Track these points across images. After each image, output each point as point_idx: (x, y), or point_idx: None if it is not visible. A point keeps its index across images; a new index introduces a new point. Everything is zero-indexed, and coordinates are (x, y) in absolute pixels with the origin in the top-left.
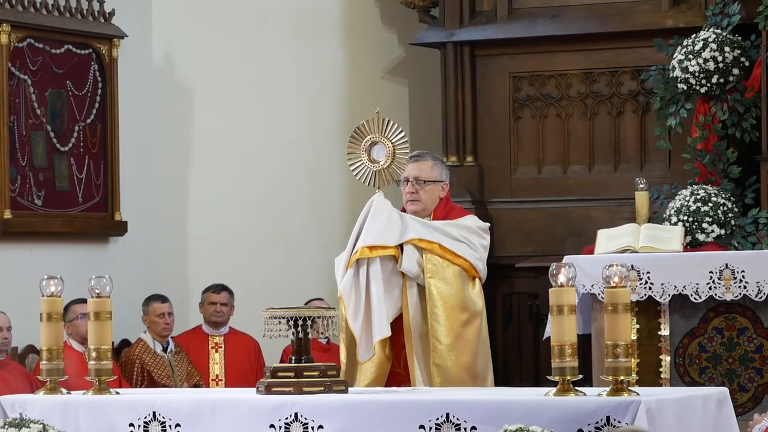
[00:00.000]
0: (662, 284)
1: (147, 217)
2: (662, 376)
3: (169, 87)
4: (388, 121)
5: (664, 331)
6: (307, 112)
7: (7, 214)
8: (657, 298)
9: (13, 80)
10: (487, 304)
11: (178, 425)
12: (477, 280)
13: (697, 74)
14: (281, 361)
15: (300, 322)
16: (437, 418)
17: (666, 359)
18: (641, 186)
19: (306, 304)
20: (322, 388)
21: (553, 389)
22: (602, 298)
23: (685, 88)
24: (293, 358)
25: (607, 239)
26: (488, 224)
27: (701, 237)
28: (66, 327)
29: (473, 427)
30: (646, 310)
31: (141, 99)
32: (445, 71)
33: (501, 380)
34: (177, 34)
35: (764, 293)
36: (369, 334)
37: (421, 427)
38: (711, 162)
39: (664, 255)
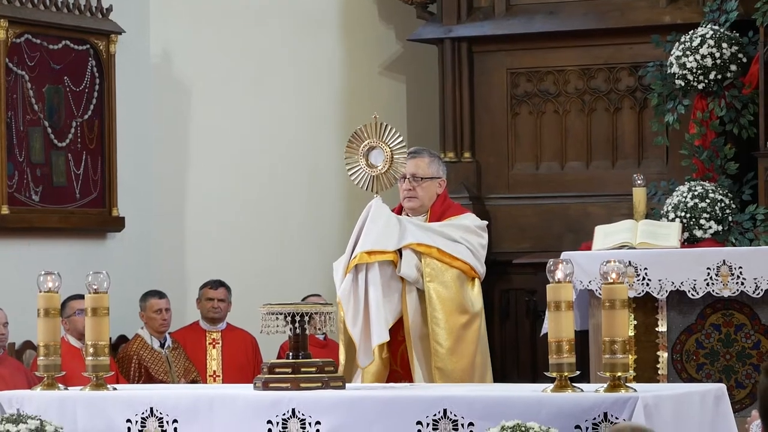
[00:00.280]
0: (660, 280)
1: (144, 213)
2: (659, 372)
3: (167, 83)
4: (386, 125)
5: (662, 328)
6: (305, 108)
7: (5, 210)
8: (654, 295)
9: (11, 76)
10: (485, 301)
11: (175, 421)
12: (476, 280)
13: (694, 70)
14: (278, 357)
15: (297, 318)
16: (434, 414)
17: (663, 355)
18: (639, 182)
19: (303, 300)
20: (319, 384)
21: (551, 385)
22: (600, 294)
23: (683, 84)
24: (290, 354)
25: (605, 235)
26: (486, 222)
27: (699, 233)
28: (63, 323)
29: (470, 423)
30: (644, 306)
31: (139, 95)
32: (442, 67)
33: (498, 376)
34: (175, 30)
35: (762, 289)
36: (368, 339)
37: (419, 423)
38: (708, 158)
39: (661, 251)
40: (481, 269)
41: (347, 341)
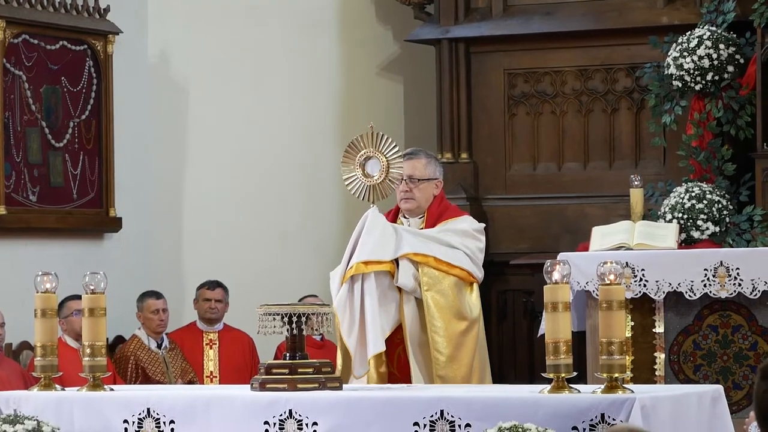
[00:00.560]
0: (657, 281)
1: (142, 214)
2: (657, 373)
3: (165, 83)
4: (382, 135)
5: (659, 329)
6: (303, 108)
7: (2, 210)
8: (652, 296)
9: (8, 76)
10: (482, 302)
11: (172, 422)
12: (474, 284)
13: (692, 71)
14: (275, 358)
15: (294, 319)
16: (432, 415)
17: (660, 356)
18: (636, 183)
19: (300, 300)
20: (316, 385)
21: (548, 386)
22: (597, 295)
23: (680, 85)
24: (287, 354)
25: (602, 236)
26: (483, 225)
27: (696, 234)
28: (61, 323)
29: (468, 424)
30: (641, 307)
31: (136, 95)
32: (440, 68)
33: (496, 377)
34: (172, 30)
35: (759, 291)
36: (364, 349)
37: (416, 424)
38: (706, 159)
39: (658, 252)
40: (479, 274)
41: (344, 351)
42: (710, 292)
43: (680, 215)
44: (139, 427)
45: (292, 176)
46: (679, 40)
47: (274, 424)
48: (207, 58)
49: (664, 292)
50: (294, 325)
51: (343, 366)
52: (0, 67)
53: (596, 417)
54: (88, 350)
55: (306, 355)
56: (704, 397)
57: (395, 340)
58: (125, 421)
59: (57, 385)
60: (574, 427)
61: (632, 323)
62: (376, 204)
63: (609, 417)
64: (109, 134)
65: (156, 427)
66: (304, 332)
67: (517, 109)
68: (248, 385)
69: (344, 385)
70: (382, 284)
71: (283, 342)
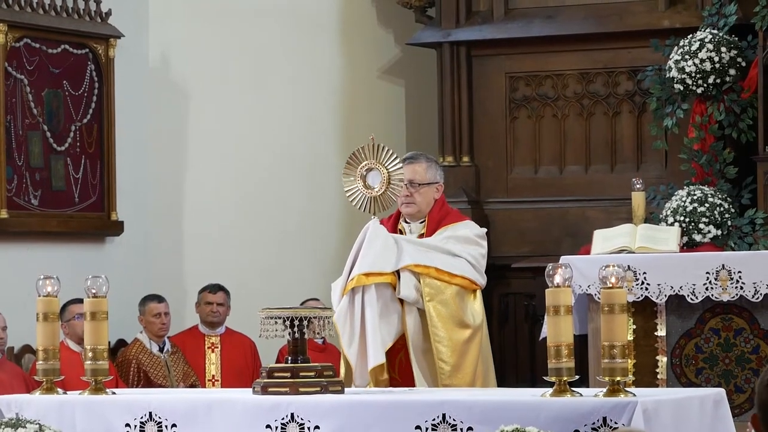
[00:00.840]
0: (659, 285)
1: (143, 217)
2: (659, 376)
3: (166, 87)
4: (383, 147)
5: (661, 332)
6: (304, 112)
7: (4, 214)
8: (653, 299)
9: (10, 80)
10: (484, 305)
11: (174, 425)
12: (477, 291)
13: (693, 74)
14: (277, 362)
15: (296, 323)
16: (433, 419)
17: (662, 360)
18: (638, 186)
19: (302, 304)
20: (318, 389)
21: (550, 390)
22: (599, 298)
23: (682, 88)
24: (289, 358)
25: (604, 239)
26: (485, 229)
27: (698, 237)
28: (63, 327)
29: (470, 428)
30: (643, 310)
31: (137, 99)
32: (441, 71)
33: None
34: (173, 34)
35: (761, 294)
36: (364, 362)
37: (417, 427)
38: (707, 162)
39: (660, 255)
40: (482, 280)
41: (345, 362)
42: (712, 295)
43: (682, 218)
44: (141, 430)
45: (293, 179)
46: (681, 43)
47: (276, 428)
48: (208, 62)
49: (666, 296)
50: (296, 329)
51: (345, 377)
52: (2, 70)
53: (598, 420)
54: (90, 354)
55: (308, 358)
56: (706, 401)
57: (396, 346)
58: (127, 425)
59: (59, 389)
60: (576, 431)
61: (634, 326)
62: (376, 215)
63: (611, 420)
64: (111, 138)
65: (158, 430)
66: (306, 336)
67: (518, 112)
68: (250, 389)
69: (346, 389)
70: (384, 296)
71: (284, 345)
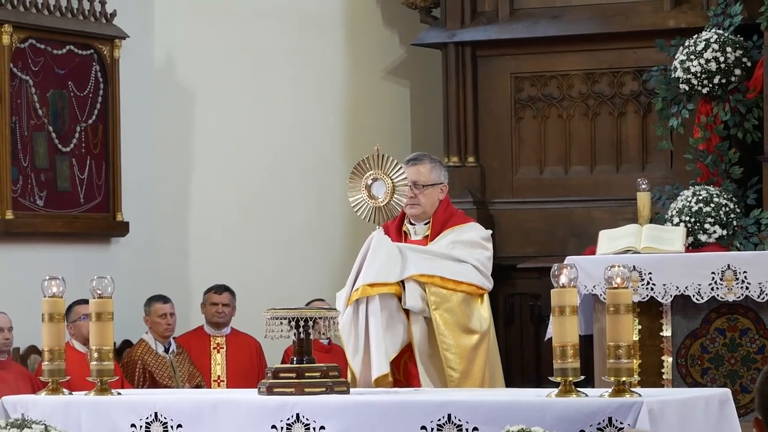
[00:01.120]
0: (664, 285)
1: (148, 218)
2: (664, 377)
3: (171, 88)
4: (388, 157)
5: (666, 332)
6: (309, 113)
7: (9, 215)
8: (659, 299)
9: (15, 81)
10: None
11: (179, 426)
12: (485, 295)
13: (699, 75)
14: (283, 362)
15: (301, 323)
16: (439, 419)
17: (668, 360)
18: (643, 186)
19: (307, 304)
20: (323, 389)
21: (555, 390)
22: (604, 298)
23: (687, 88)
24: (295, 358)
25: (609, 240)
26: (490, 231)
27: (703, 238)
28: (69, 328)
29: (475, 428)
30: (648, 311)
31: (142, 100)
32: (446, 72)
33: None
34: (178, 34)
35: (766, 294)
36: (369, 372)
37: (423, 428)
38: (713, 162)
39: (666, 256)
40: (489, 284)
41: (351, 372)
42: (717, 295)
43: (687, 219)
44: (146, 431)
45: (298, 180)
46: (686, 44)
47: (282, 428)
48: (213, 62)
49: (671, 296)
50: (301, 329)
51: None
52: (7, 71)
53: (604, 421)
54: (95, 354)
55: (313, 359)
56: (712, 401)
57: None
58: (133, 425)
59: (65, 390)
60: (582, 431)
61: (639, 327)
62: (380, 225)
63: (616, 421)
64: (116, 139)
65: (163, 431)
66: (312, 336)
67: (523, 112)
68: (255, 390)
69: (351, 389)
70: (388, 306)
71: (290, 346)
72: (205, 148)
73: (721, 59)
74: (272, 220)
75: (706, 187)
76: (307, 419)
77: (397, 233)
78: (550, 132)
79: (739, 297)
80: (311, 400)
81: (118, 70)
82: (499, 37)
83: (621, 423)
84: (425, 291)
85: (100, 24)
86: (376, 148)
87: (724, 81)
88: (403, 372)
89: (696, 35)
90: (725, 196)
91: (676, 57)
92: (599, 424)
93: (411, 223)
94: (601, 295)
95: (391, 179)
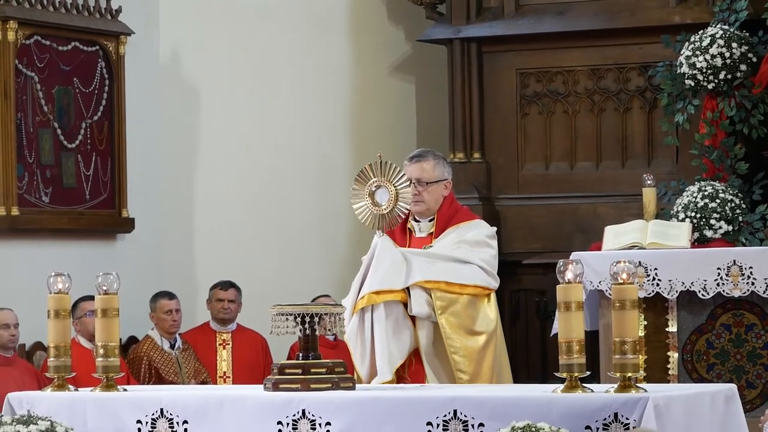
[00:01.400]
0: (670, 281)
1: (154, 214)
2: (670, 372)
3: (176, 84)
4: (391, 164)
5: (672, 328)
6: (314, 109)
7: (15, 211)
8: (665, 295)
9: (21, 77)
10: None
11: (185, 422)
12: (491, 294)
13: (704, 70)
14: (288, 358)
15: (307, 319)
16: (445, 415)
17: (674, 356)
18: (649, 182)
19: (313, 301)
20: (329, 385)
21: (561, 386)
22: (610, 294)
23: (693, 84)
24: (300, 354)
25: (615, 235)
26: (495, 228)
27: (709, 233)
28: (74, 324)
29: (481, 424)
30: (654, 306)
31: (148, 96)
32: (452, 68)
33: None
34: (184, 31)
35: None
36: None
37: (429, 423)
38: (718, 158)
39: (671, 251)
40: (495, 283)
41: (359, 379)
42: (723, 291)
43: (693, 214)
44: (152, 427)
45: (303, 176)
46: (692, 39)
47: (288, 424)
48: (218, 59)
49: (677, 292)
50: (307, 325)
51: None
52: (12, 68)
53: (609, 416)
54: (101, 351)
55: (319, 355)
56: (718, 396)
57: None
58: (138, 422)
59: (70, 386)
60: (588, 427)
61: (645, 322)
62: (384, 232)
63: (622, 416)
64: (122, 135)
65: (169, 427)
66: (317, 332)
67: (529, 108)
68: (261, 386)
69: (357, 385)
70: (394, 313)
71: (296, 342)
72: (211, 144)
73: (727, 55)
74: (278, 216)
75: (711, 182)
76: (312, 415)
77: (402, 231)
78: (555, 128)
79: (744, 292)
80: (317, 396)
81: (123, 66)
82: (504, 33)
83: (627, 419)
84: (431, 296)
85: (105, 20)
86: (379, 155)
87: (729, 77)
88: (409, 370)
89: (701, 31)
90: (731, 191)
91: (681, 53)
92: (605, 419)
93: (416, 221)
94: (606, 290)
95: (395, 187)
